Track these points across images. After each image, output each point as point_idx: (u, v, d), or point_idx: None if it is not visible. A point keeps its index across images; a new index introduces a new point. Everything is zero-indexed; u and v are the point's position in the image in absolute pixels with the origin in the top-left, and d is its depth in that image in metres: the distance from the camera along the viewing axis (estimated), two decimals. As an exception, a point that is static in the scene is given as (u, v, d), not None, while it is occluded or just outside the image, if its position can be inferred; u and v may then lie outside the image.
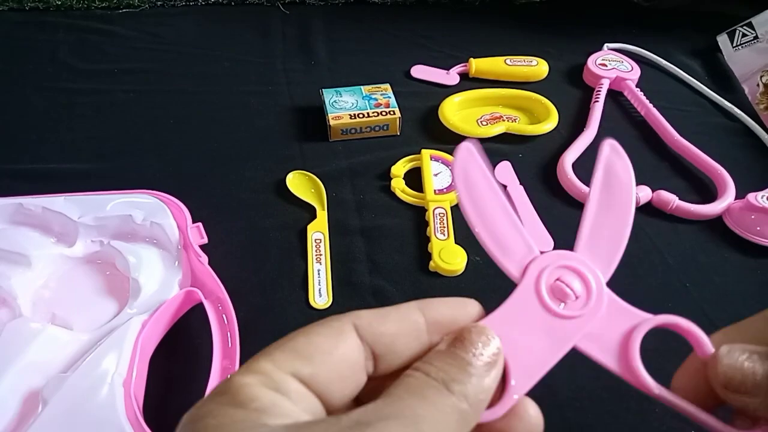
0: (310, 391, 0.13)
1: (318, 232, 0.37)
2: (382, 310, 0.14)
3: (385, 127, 0.44)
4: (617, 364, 0.14)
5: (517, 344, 0.14)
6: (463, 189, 0.16)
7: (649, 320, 0.15)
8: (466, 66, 0.50)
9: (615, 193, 0.16)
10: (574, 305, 0.15)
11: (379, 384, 0.14)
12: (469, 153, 0.16)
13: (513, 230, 0.16)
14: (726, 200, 0.39)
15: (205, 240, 0.35)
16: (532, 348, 0.14)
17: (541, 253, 0.16)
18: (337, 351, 0.13)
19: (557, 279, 0.15)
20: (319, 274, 0.35)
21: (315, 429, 0.12)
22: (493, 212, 0.16)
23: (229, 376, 0.13)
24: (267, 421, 0.12)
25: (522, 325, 0.15)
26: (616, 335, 0.15)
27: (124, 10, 0.56)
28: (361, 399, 0.14)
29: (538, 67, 0.50)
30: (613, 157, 0.16)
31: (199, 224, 0.35)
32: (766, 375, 0.13)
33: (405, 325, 0.14)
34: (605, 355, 0.15)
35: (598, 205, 0.16)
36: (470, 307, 0.15)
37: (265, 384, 0.12)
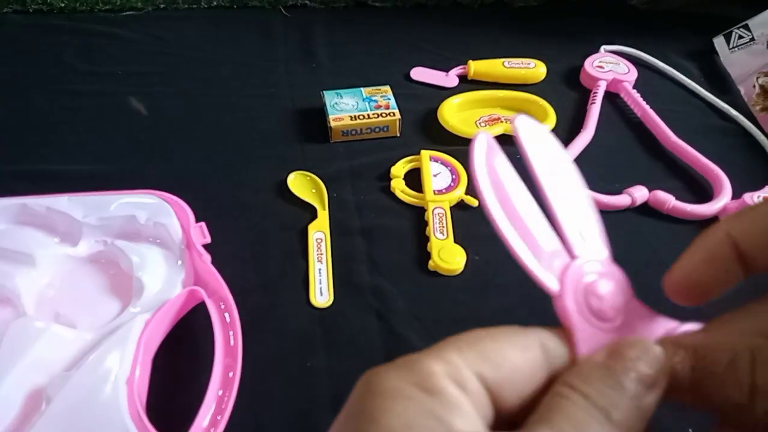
0: (487, 396, 0.12)
1: (319, 231, 0.37)
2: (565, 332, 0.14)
3: (385, 129, 0.44)
4: None
5: None
6: (489, 188, 0.13)
7: (678, 327, 0.14)
8: (464, 68, 0.51)
9: (559, 173, 0.15)
10: (613, 313, 0.14)
11: None
12: (491, 147, 0.14)
13: (543, 231, 0.14)
14: (722, 200, 0.39)
15: (208, 240, 0.35)
16: None
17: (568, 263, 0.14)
18: (523, 365, 0.13)
19: (597, 298, 0.14)
20: (320, 273, 0.35)
21: None
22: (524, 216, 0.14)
23: (415, 355, 0.13)
24: (452, 420, 0.11)
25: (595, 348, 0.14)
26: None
27: (127, 13, 0.56)
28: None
29: (535, 69, 0.51)
30: (539, 139, 0.15)
31: (202, 224, 0.35)
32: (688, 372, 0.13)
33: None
34: None
35: (554, 195, 0.14)
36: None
37: (452, 377, 0.12)
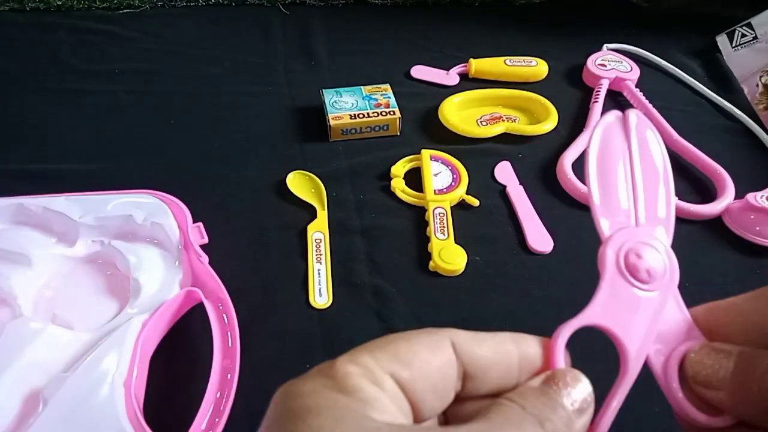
0: (404, 396, 0.13)
1: (318, 232, 0.37)
2: (478, 334, 0.15)
3: (385, 128, 0.44)
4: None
5: (623, 326, 0.15)
6: (597, 141, 0.16)
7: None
8: (465, 66, 0.50)
9: (651, 160, 0.17)
10: (655, 279, 0.15)
11: (460, 407, 0.14)
12: (620, 121, 0.17)
13: (623, 194, 0.16)
14: (725, 200, 0.39)
15: (206, 240, 0.35)
16: (633, 328, 0.15)
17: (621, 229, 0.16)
18: (434, 362, 0.13)
19: (637, 256, 0.15)
20: (319, 273, 0.35)
21: None
22: (613, 173, 0.16)
23: (328, 362, 0.13)
24: (371, 413, 0.12)
25: (619, 308, 0.15)
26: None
27: (124, 11, 0.56)
28: (441, 418, 0.14)
29: (537, 68, 0.50)
30: (642, 127, 0.17)
31: (200, 224, 0.35)
32: (729, 373, 0.14)
33: (499, 352, 0.14)
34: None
35: (642, 176, 0.17)
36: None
37: (366, 377, 0.13)
